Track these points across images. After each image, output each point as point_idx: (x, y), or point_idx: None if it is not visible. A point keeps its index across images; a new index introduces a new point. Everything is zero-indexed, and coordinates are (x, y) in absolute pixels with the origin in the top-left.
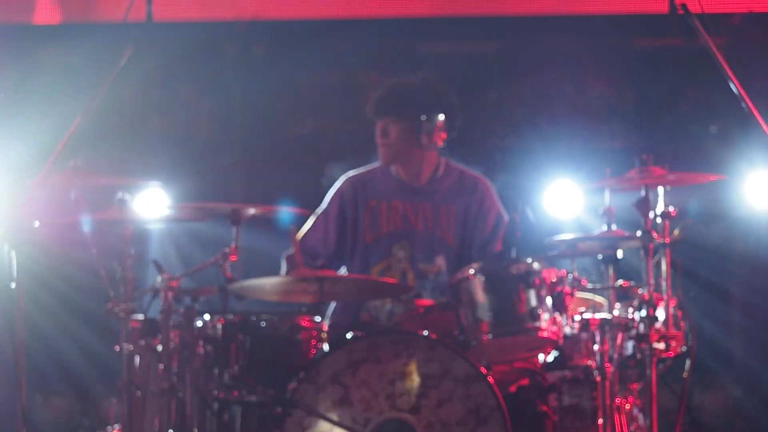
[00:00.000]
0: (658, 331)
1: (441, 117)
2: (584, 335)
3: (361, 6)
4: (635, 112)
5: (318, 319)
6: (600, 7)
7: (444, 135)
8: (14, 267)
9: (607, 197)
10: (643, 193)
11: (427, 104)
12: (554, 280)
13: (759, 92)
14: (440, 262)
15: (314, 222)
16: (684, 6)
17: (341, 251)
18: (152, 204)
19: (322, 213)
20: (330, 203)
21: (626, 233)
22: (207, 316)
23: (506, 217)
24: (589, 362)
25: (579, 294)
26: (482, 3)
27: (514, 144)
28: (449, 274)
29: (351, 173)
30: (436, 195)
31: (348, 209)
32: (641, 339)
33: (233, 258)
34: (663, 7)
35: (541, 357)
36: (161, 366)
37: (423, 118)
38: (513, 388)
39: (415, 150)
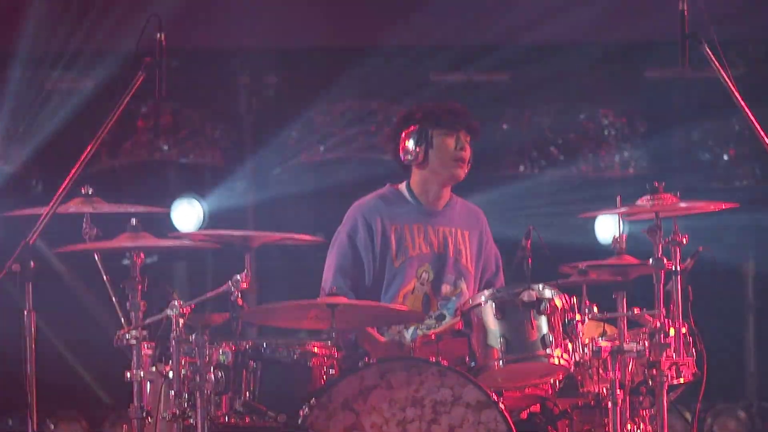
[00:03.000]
0: (669, 357)
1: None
2: (595, 362)
3: (373, 35)
4: (647, 140)
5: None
6: (612, 36)
7: None
8: (29, 295)
9: (618, 225)
10: (654, 220)
11: (477, 125)
12: (565, 307)
13: None
14: (462, 286)
15: (341, 244)
16: (696, 35)
17: (379, 275)
18: (189, 217)
19: (346, 236)
20: (355, 229)
21: (637, 260)
22: (218, 343)
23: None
24: (600, 389)
25: (590, 321)
26: (494, 33)
27: (526, 172)
28: (465, 295)
29: (362, 201)
30: (452, 219)
31: (376, 234)
32: (652, 366)
33: (245, 285)
34: (675, 36)
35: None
36: (172, 392)
37: (476, 138)
38: (524, 415)
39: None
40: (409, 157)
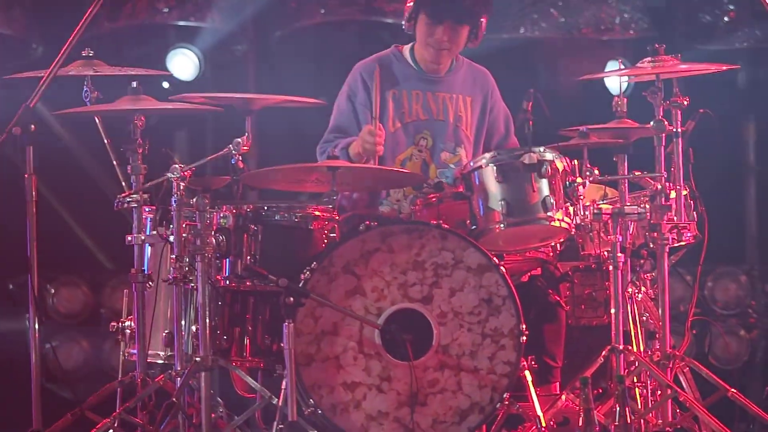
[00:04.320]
0: (670, 220)
1: (484, 19)
2: (596, 225)
3: None
4: (647, 1)
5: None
6: None
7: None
8: (30, 159)
9: (620, 87)
10: (655, 82)
11: (484, 6)
12: (566, 169)
13: None
14: (462, 153)
15: (340, 105)
16: None
17: None
18: (185, 66)
19: (346, 97)
20: (355, 89)
21: (638, 123)
22: (219, 206)
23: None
24: (602, 252)
25: (591, 184)
26: None
27: (526, 35)
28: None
29: (364, 61)
30: (454, 85)
31: (371, 96)
32: (653, 228)
33: (246, 148)
34: None
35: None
36: (173, 256)
37: (482, 20)
38: (525, 278)
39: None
40: (405, 25)
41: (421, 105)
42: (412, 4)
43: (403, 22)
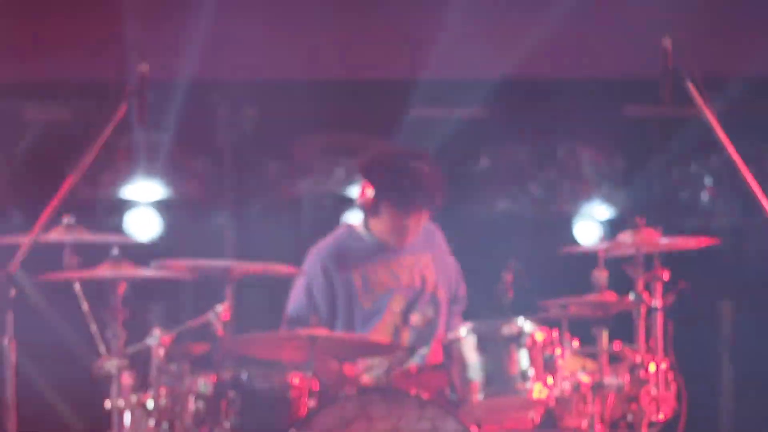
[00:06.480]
0: (648, 393)
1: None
2: (575, 397)
3: (353, 68)
4: (626, 178)
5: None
6: (591, 72)
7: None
8: (10, 324)
9: (600, 261)
10: (635, 256)
11: (440, 193)
12: (546, 341)
13: (752, 158)
14: (429, 312)
15: (298, 296)
16: (678, 70)
17: (333, 321)
18: (144, 225)
19: (304, 287)
20: (313, 276)
21: (618, 296)
22: (198, 373)
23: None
24: (580, 424)
25: (570, 355)
26: (472, 67)
27: (507, 209)
28: (437, 321)
29: (321, 245)
30: (415, 248)
31: (335, 281)
32: (632, 401)
33: (226, 316)
34: (655, 72)
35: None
36: (152, 423)
37: (438, 207)
38: None
39: None
40: (361, 203)
41: (388, 274)
42: (371, 190)
43: (358, 201)
